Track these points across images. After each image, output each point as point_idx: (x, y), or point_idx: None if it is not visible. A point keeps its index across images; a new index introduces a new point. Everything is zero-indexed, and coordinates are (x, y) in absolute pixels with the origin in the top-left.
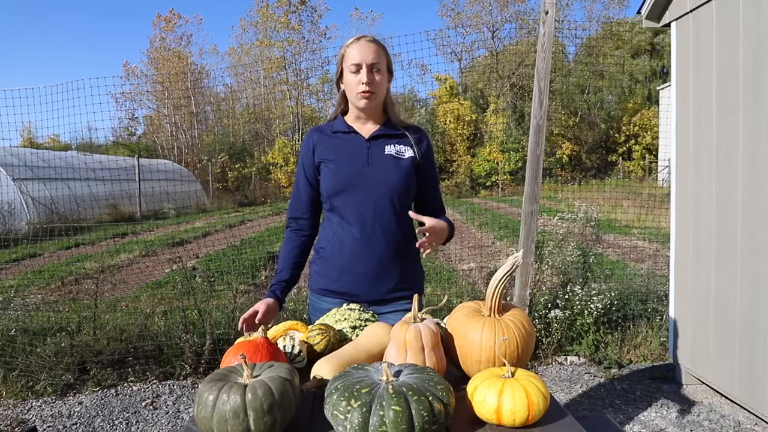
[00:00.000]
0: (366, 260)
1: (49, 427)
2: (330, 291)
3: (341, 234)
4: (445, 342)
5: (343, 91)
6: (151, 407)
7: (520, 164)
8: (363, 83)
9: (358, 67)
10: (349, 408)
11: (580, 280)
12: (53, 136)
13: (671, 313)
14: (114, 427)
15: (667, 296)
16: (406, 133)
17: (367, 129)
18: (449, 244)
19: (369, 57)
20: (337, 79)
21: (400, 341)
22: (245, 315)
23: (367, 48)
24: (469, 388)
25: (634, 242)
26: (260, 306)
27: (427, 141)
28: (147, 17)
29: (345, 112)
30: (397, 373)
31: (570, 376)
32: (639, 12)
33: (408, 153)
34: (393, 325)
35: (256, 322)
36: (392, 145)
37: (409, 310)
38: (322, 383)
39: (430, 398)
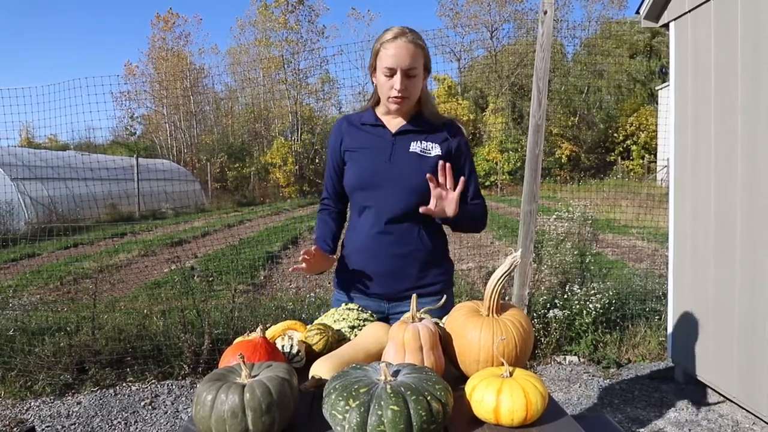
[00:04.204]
0: (384, 259)
1: (47, 427)
2: (351, 288)
3: (361, 231)
4: (444, 342)
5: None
6: (150, 407)
7: (519, 164)
8: (396, 89)
9: (392, 71)
10: (347, 408)
11: (579, 279)
12: (52, 136)
13: (670, 312)
14: (113, 427)
15: (665, 296)
16: (437, 128)
17: (395, 123)
18: (448, 242)
19: (405, 62)
20: (371, 71)
21: (398, 341)
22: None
23: (405, 50)
24: (468, 387)
25: (633, 242)
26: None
27: (460, 136)
28: (147, 17)
29: (378, 101)
30: (396, 373)
31: (569, 376)
32: (638, 12)
33: (435, 151)
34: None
35: (305, 259)
36: (419, 142)
37: (432, 306)
38: (320, 383)
39: (429, 398)
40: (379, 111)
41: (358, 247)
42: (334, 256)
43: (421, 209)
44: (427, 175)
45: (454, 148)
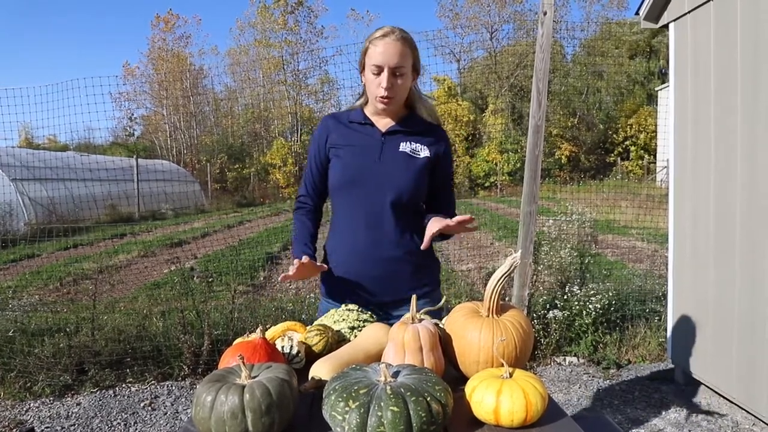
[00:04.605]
0: (374, 263)
1: (47, 428)
2: (341, 295)
3: (348, 235)
4: (444, 342)
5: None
6: (150, 408)
7: (518, 165)
8: (383, 87)
9: (379, 69)
10: (347, 409)
11: (579, 280)
12: (51, 137)
13: (669, 313)
14: (112, 428)
15: (665, 296)
16: (426, 131)
17: (384, 123)
18: (447, 242)
19: (392, 60)
20: (360, 70)
21: (398, 342)
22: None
23: (393, 49)
24: (468, 388)
25: (633, 243)
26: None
27: (445, 142)
28: (147, 18)
29: (368, 101)
30: (395, 374)
31: (568, 377)
32: (637, 13)
33: (424, 152)
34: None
35: (297, 269)
36: (408, 143)
37: (426, 306)
38: (320, 384)
39: (428, 399)
40: (368, 111)
41: (350, 251)
42: (324, 265)
43: (423, 246)
44: (448, 221)
45: (442, 153)
